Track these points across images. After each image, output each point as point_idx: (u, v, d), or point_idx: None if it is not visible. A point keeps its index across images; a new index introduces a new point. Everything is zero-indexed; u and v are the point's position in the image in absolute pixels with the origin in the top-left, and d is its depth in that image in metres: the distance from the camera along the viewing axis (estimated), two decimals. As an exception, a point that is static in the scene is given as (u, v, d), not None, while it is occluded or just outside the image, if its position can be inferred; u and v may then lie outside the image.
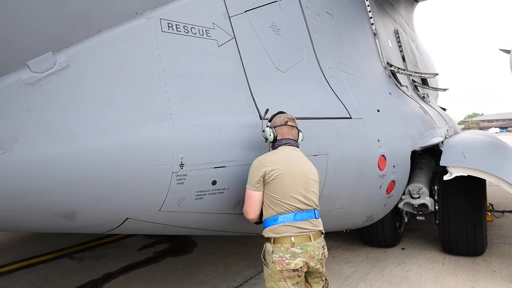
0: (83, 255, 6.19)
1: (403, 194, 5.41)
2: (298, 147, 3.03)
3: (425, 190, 5.37)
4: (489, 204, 8.06)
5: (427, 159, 6.05)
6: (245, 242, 6.37)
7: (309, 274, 2.88)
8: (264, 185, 2.80)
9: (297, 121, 3.14)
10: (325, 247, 2.92)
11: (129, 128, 2.52)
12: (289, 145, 2.96)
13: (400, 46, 8.44)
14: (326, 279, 3.02)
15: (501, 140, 7.02)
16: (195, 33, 3.05)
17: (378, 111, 4.72)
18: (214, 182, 2.87)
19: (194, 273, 5.21)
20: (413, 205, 5.44)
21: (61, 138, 2.29)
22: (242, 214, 3.20)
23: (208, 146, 2.81)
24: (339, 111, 4.07)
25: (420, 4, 12.48)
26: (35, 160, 2.20)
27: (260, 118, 3.18)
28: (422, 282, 4.65)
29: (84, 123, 2.39)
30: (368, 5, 6.38)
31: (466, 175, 4.69)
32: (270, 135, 2.97)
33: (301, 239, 2.74)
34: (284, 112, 3.12)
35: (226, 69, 3.17)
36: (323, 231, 2.93)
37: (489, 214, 7.40)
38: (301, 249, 2.72)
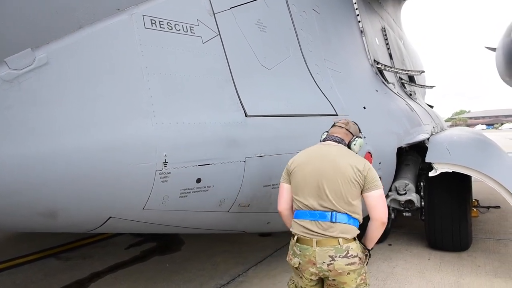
0: (69, 254, 6.11)
1: (390, 190, 5.45)
2: (343, 145, 2.79)
3: (411, 186, 5.42)
4: (475, 199, 8.15)
5: (413, 155, 6.11)
6: (233, 240, 6.35)
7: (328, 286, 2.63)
8: (290, 179, 2.76)
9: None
10: (337, 258, 2.48)
11: (111, 126, 2.49)
12: (328, 140, 2.82)
13: (387, 44, 8.50)
14: None
15: (486, 137, 7.11)
16: (179, 30, 3.02)
17: (364, 108, 4.75)
18: (198, 180, 2.85)
19: (181, 271, 5.18)
20: (399, 201, 5.48)
21: (41, 135, 2.25)
22: (228, 212, 3.20)
23: (192, 144, 2.79)
24: (325, 108, 4.07)
25: (407, 2, 12.57)
26: (14, 158, 2.16)
27: (245, 116, 3.17)
28: (408, 278, 4.69)
29: (65, 120, 2.35)
30: (355, 3, 6.41)
31: (451, 171, 4.74)
32: (321, 136, 2.97)
33: (302, 241, 2.58)
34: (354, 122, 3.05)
35: (210, 66, 3.15)
36: (342, 238, 2.51)
37: (475, 209, 7.49)
38: (300, 251, 2.60)
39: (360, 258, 2.55)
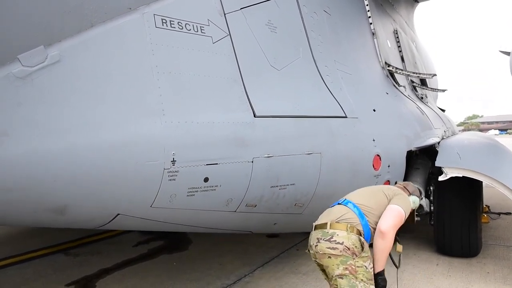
0: (78, 250, 6.18)
1: (398, 193, 5.40)
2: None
3: (421, 190, 5.37)
4: (486, 205, 8.05)
5: (423, 159, 6.04)
6: (240, 240, 6.36)
7: (326, 274, 2.78)
8: None
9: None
10: (321, 241, 2.65)
11: (121, 124, 2.52)
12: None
13: (399, 47, 8.43)
14: None
15: (498, 142, 7.00)
16: (190, 30, 3.04)
17: (374, 110, 4.72)
18: (206, 179, 2.86)
19: (188, 270, 5.20)
20: (408, 205, 5.43)
21: (52, 133, 2.28)
22: (235, 211, 3.21)
23: (201, 143, 2.81)
24: (334, 110, 4.06)
25: (420, 4, 12.46)
26: (25, 155, 2.20)
27: (254, 116, 3.17)
28: (416, 283, 4.64)
29: (76, 118, 2.38)
30: (367, 5, 6.37)
31: (461, 176, 4.68)
32: None
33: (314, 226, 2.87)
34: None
35: (220, 66, 3.16)
36: (331, 223, 2.71)
37: (485, 215, 7.39)
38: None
39: (348, 248, 2.59)
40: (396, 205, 2.76)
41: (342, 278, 2.56)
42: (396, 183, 3.40)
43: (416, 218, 5.62)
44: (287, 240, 6.42)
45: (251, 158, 3.07)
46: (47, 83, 2.31)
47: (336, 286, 2.58)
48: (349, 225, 2.66)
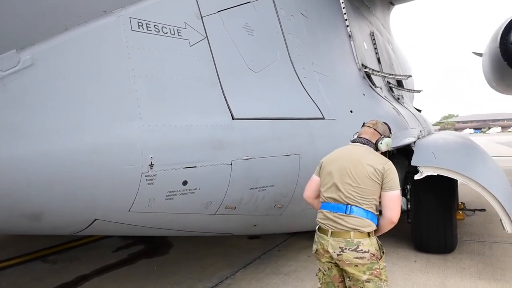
0: (56, 257, 6.06)
1: (376, 193, 5.49)
2: (369, 145, 2.93)
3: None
4: (461, 202, 8.28)
5: (400, 159, 6.17)
6: (222, 243, 6.35)
7: (347, 276, 2.75)
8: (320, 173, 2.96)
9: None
10: (346, 251, 2.63)
11: (97, 128, 2.50)
12: (357, 143, 2.96)
13: (375, 48, 8.58)
14: None
15: (472, 141, 7.21)
16: (166, 33, 3.04)
17: (351, 112, 4.80)
18: (185, 182, 2.86)
19: (169, 274, 5.17)
20: (386, 204, 5.52)
21: (25, 138, 2.24)
22: (215, 214, 3.21)
23: (179, 146, 2.81)
24: (312, 112, 4.11)
25: (396, 7, 12.73)
26: (-2, 161, 2.15)
27: (232, 118, 3.19)
28: (394, 280, 4.73)
29: (50, 123, 2.35)
30: (343, 8, 6.47)
31: (436, 174, 4.80)
32: (352, 136, 3.10)
33: (322, 230, 2.81)
34: (384, 122, 3.17)
35: (197, 69, 3.17)
36: (354, 232, 2.64)
37: (461, 212, 7.60)
38: (317, 239, 2.83)
39: (373, 254, 2.66)
40: (395, 190, 2.71)
41: (369, 282, 2.65)
42: (363, 124, 3.09)
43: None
44: (268, 241, 6.44)
45: (229, 161, 3.08)
46: (20, 87, 2.27)
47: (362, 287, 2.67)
48: (370, 231, 2.69)
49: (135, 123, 2.62)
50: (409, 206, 5.61)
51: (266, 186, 3.43)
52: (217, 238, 6.45)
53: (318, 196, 3.00)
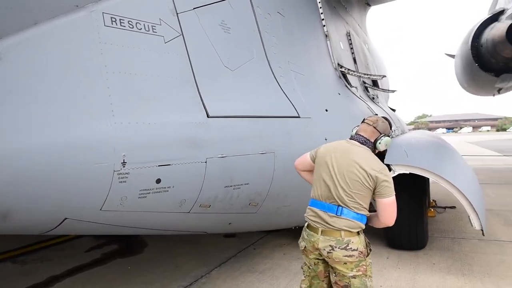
0: (26, 258, 5.90)
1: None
2: (367, 145, 2.82)
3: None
4: (433, 200, 8.49)
5: (374, 157, 6.27)
6: (197, 241, 6.32)
7: (333, 272, 2.77)
8: (315, 162, 2.93)
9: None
10: (337, 249, 2.65)
11: (67, 125, 2.45)
12: (353, 140, 2.87)
13: (351, 48, 8.70)
14: None
15: (444, 140, 7.41)
16: (140, 29, 2.99)
17: (327, 110, 4.85)
18: (158, 181, 2.83)
19: (143, 273, 5.11)
20: (360, 202, 5.61)
21: (-9, 134, 2.17)
22: (189, 212, 3.20)
23: (152, 144, 2.78)
24: (287, 110, 4.13)
25: (373, 7, 12.94)
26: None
27: (207, 116, 3.17)
28: (367, 276, 4.82)
29: (18, 119, 2.29)
30: (320, 7, 6.53)
31: (408, 172, 4.91)
32: (352, 130, 3.00)
33: (311, 228, 2.80)
34: (384, 118, 3.04)
35: (172, 66, 3.14)
36: (345, 231, 2.65)
37: (432, 210, 7.79)
38: (307, 236, 2.82)
39: (362, 252, 2.69)
40: (390, 196, 2.71)
41: (354, 278, 2.68)
42: (364, 120, 2.97)
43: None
44: (244, 239, 6.45)
45: (204, 159, 3.07)
46: (-14, 82, 2.20)
47: (347, 284, 2.69)
48: (359, 230, 2.73)
49: (107, 120, 2.58)
50: (382, 203, 5.70)
51: (241, 184, 3.43)
52: (192, 236, 6.41)
53: (306, 171, 3.08)
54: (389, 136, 2.90)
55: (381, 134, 2.87)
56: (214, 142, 3.15)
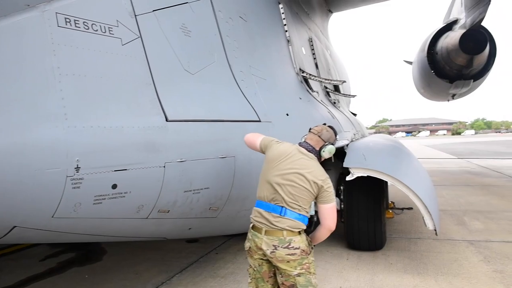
0: (-26, 269, 5.59)
1: (312, 194, 5.65)
2: (313, 153, 3.03)
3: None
4: (391, 202, 8.76)
5: (334, 161, 6.39)
6: (159, 247, 6.21)
7: (279, 273, 2.88)
8: (265, 153, 3.13)
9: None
10: (279, 248, 2.79)
11: (17, 129, 2.34)
12: (303, 148, 3.05)
13: (314, 54, 8.85)
14: None
15: (401, 143, 7.67)
16: (96, 30, 2.92)
17: (287, 115, 4.90)
18: (114, 186, 2.76)
19: (101, 282, 4.95)
20: (321, 205, 5.70)
21: None
22: (147, 218, 3.14)
23: (108, 149, 2.70)
24: (248, 114, 4.14)
25: (335, 14, 13.24)
26: None
27: (166, 120, 3.13)
28: (328, 277, 4.90)
29: (-38, 122, 2.16)
30: (282, 13, 6.60)
31: (366, 175, 5.05)
32: (301, 138, 3.20)
33: (255, 228, 2.93)
34: (329, 127, 3.24)
35: (130, 68, 3.07)
36: (287, 231, 2.81)
37: (390, 211, 8.05)
38: (251, 237, 2.95)
39: (304, 250, 2.84)
40: (331, 202, 2.93)
41: (299, 276, 2.83)
42: (310, 129, 3.18)
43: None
44: (207, 244, 6.40)
45: (163, 163, 3.02)
46: None
47: (293, 283, 2.83)
48: (301, 230, 2.88)
49: (60, 124, 2.49)
50: (342, 206, 5.84)
51: (201, 189, 3.41)
52: (153, 243, 6.29)
53: (253, 148, 3.30)
54: (333, 144, 3.12)
55: (325, 142, 3.08)
56: (173, 146, 3.10)
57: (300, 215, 2.87)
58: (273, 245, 2.81)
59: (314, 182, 2.86)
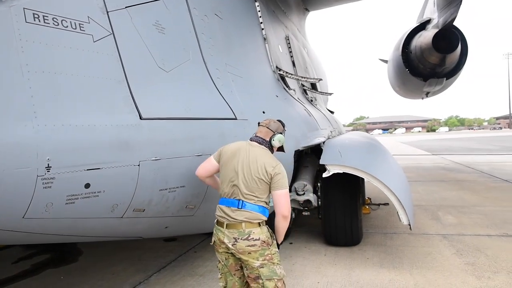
0: None
1: (290, 191, 5.69)
2: (264, 144, 3.20)
3: (309, 187, 5.73)
4: (368, 198, 8.91)
5: (312, 158, 6.47)
6: (136, 247, 6.14)
7: (244, 266, 3.00)
8: (219, 163, 3.21)
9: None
10: (239, 240, 2.91)
11: (-17, 128, 2.27)
12: (254, 141, 3.22)
13: (290, 52, 8.91)
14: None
15: (376, 140, 7.82)
16: (66, 26, 2.86)
17: (264, 112, 4.91)
18: (87, 185, 2.71)
19: (78, 283, 4.87)
20: (298, 201, 5.76)
21: None
22: (122, 217, 3.10)
23: (80, 147, 2.65)
24: (224, 112, 4.14)
25: (311, 13, 13.34)
26: None
27: (140, 118, 3.09)
28: (306, 273, 4.95)
29: None
30: (259, 11, 6.62)
31: (341, 172, 5.12)
32: (253, 134, 3.33)
33: (219, 223, 3.06)
34: (278, 120, 3.41)
35: (102, 66, 3.02)
36: (246, 223, 2.93)
37: (367, 207, 8.18)
38: (215, 231, 3.08)
39: (264, 241, 2.94)
40: (283, 189, 3.03)
41: (262, 267, 2.93)
42: (259, 123, 3.37)
43: (306, 213, 6.02)
44: (185, 243, 6.37)
45: (137, 162, 2.98)
46: None
47: (257, 274, 2.93)
48: (260, 221, 2.99)
49: (29, 122, 2.42)
50: (319, 202, 5.90)
51: (177, 187, 3.38)
52: (131, 242, 6.22)
53: (210, 176, 3.34)
54: (281, 134, 3.30)
55: (274, 132, 3.26)
56: (147, 145, 3.07)
57: (260, 206, 2.99)
58: (234, 238, 2.93)
59: (266, 170, 2.99)
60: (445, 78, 11.07)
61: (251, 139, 3.27)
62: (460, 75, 11.51)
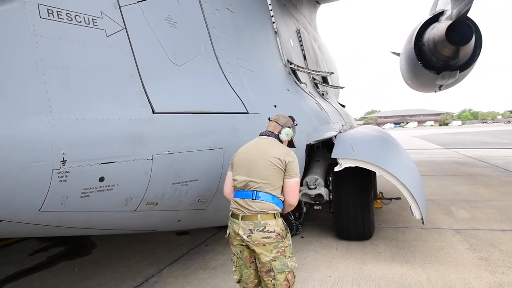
0: (-39, 265, 5.53)
1: (301, 185, 5.69)
2: (275, 137, 3.27)
3: (320, 181, 5.72)
4: (380, 192, 8.86)
5: (323, 152, 6.45)
6: (149, 240, 6.21)
7: (258, 259, 3.02)
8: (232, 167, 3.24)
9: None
10: (255, 232, 2.92)
11: (0, 123, 2.30)
12: (263, 135, 3.29)
13: (301, 45, 8.86)
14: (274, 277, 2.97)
15: (388, 134, 7.74)
16: (80, 22, 2.88)
17: (275, 106, 4.91)
18: (102, 179, 2.75)
19: (92, 276, 4.94)
20: (310, 195, 5.76)
21: None
22: (135, 211, 3.13)
23: (94, 141, 2.68)
24: (236, 106, 4.14)
25: (322, 6, 13.22)
26: None
27: (153, 112, 3.11)
28: (317, 267, 4.95)
29: None
30: (270, 4, 6.58)
31: (353, 166, 5.09)
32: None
33: (234, 215, 3.08)
34: (289, 116, 3.50)
35: (115, 60, 3.05)
36: (261, 214, 2.95)
37: (379, 201, 8.14)
38: (230, 224, 3.09)
39: (279, 234, 2.97)
40: (295, 177, 3.08)
41: (275, 260, 2.96)
42: (269, 119, 3.45)
43: (317, 207, 6.02)
44: (197, 236, 6.42)
45: (150, 155, 3.01)
46: None
47: (269, 267, 2.96)
48: (275, 213, 3.01)
49: (45, 116, 2.46)
50: (331, 196, 5.88)
51: (190, 181, 3.41)
52: (144, 236, 6.29)
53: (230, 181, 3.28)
54: (289, 128, 3.35)
55: (282, 126, 3.32)
56: (160, 139, 3.09)
57: (274, 197, 3.00)
58: (249, 229, 2.95)
59: (279, 158, 3.02)
60: (458, 71, 10.89)
61: (260, 134, 3.33)
62: (474, 67, 11.32)
